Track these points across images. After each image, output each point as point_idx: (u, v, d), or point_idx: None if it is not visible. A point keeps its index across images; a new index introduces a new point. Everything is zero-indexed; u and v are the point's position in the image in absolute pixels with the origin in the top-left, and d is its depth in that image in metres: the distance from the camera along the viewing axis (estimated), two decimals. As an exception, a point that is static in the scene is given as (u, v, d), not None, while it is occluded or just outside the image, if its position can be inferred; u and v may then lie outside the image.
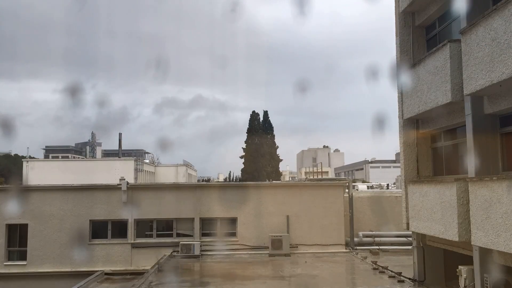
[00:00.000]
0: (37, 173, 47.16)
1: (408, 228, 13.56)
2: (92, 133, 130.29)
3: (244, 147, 70.34)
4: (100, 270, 19.09)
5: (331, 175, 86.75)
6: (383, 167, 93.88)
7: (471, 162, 10.19)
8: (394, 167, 76.94)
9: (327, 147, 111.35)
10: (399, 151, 14.65)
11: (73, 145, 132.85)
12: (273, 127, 71.47)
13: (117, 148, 71.69)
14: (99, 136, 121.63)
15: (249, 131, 70.48)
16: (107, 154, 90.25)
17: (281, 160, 72.11)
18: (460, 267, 10.97)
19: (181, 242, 19.53)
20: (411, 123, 13.82)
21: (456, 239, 10.30)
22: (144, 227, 20.66)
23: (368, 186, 36.73)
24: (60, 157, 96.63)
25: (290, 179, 78.70)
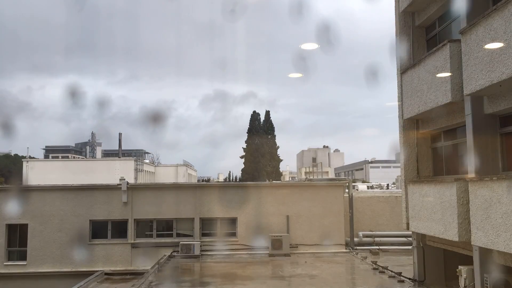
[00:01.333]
0: (37, 173, 47.19)
1: (408, 228, 13.55)
2: (92, 133, 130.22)
3: (245, 147, 70.35)
4: (100, 270, 19.08)
5: (331, 175, 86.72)
6: (383, 167, 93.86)
7: (471, 162, 10.18)
8: (394, 167, 76.93)
9: (327, 147, 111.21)
10: (399, 151, 14.64)
11: (73, 145, 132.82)
12: (274, 127, 71.57)
13: (117, 148, 71.77)
14: (99, 137, 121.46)
15: (249, 131, 70.48)
16: (107, 154, 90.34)
17: (281, 160, 72.21)
18: (460, 267, 10.97)
19: (181, 242, 19.52)
20: (411, 123, 13.82)
21: (456, 239, 10.30)
22: (144, 227, 20.66)
23: (368, 186, 36.75)
24: (60, 157, 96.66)
25: (290, 179, 78.70)
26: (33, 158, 63.98)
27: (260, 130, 70.09)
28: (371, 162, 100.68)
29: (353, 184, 24.90)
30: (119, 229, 20.25)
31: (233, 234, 20.44)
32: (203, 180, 72.26)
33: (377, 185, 41.07)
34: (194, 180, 67.16)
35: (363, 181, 58.62)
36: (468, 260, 10.63)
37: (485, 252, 9.65)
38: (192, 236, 20.29)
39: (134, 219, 20.23)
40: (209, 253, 19.65)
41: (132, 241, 20.09)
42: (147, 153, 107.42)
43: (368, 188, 33.52)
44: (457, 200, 10.25)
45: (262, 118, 71.67)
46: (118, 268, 19.55)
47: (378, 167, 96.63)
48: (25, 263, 19.57)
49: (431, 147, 13.75)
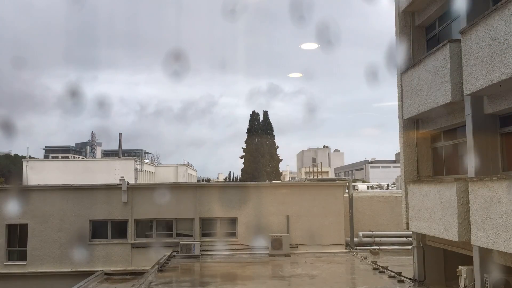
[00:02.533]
0: (37, 173, 47.17)
1: (408, 228, 13.56)
2: (92, 133, 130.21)
3: (244, 147, 70.36)
4: (100, 270, 19.10)
5: (331, 175, 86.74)
6: (383, 167, 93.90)
7: (471, 162, 10.18)
8: (394, 167, 76.95)
9: (327, 147, 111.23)
10: (399, 151, 14.65)
11: (73, 145, 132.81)
12: (273, 127, 71.63)
13: (117, 147, 71.78)
14: (99, 137, 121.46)
15: (249, 131, 70.51)
16: (107, 154, 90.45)
17: (281, 160, 72.28)
18: (460, 267, 10.97)
19: (181, 242, 19.52)
20: (411, 123, 13.82)
21: (456, 239, 10.30)
22: (144, 227, 20.66)
23: (368, 186, 36.74)
24: (60, 157, 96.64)
25: (290, 179, 78.69)
26: (33, 158, 63.96)
27: (260, 130, 70.13)
28: (371, 162, 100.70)
29: (353, 184, 24.90)
30: (119, 229, 20.26)
31: (233, 234, 20.44)
32: (203, 180, 72.31)
33: (377, 185, 41.06)
34: (194, 180, 67.17)
35: (363, 181, 58.61)
36: (468, 260, 10.63)
37: (485, 252, 9.66)
38: (192, 236, 20.29)
39: (134, 219, 20.24)
40: (209, 253, 19.65)
41: (132, 241, 20.09)
42: (147, 153, 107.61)
43: (368, 188, 33.51)
44: (457, 200, 10.26)
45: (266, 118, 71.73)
46: (118, 268, 19.56)
47: (378, 167, 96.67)
48: (25, 263, 19.58)
49: (431, 147, 13.75)
